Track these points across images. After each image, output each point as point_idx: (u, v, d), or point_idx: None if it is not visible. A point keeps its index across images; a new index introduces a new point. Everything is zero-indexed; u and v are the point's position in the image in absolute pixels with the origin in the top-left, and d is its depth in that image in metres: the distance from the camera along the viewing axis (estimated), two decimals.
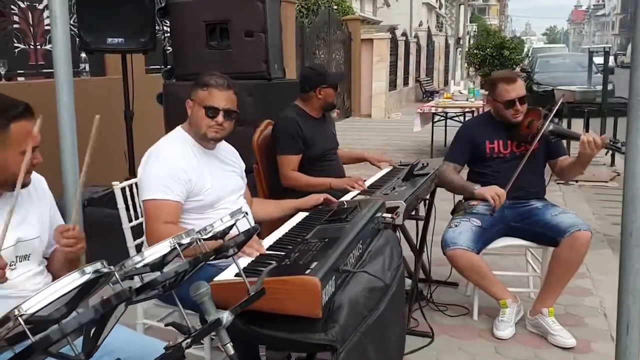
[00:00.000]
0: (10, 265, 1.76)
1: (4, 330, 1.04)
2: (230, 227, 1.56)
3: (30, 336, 1.02)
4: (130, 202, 2.60)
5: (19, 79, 4.94)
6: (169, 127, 4.11)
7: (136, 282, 1.61)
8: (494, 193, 3.09)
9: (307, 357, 2.37)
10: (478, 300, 3.38)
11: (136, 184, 2.50)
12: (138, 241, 2.55)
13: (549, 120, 3.17)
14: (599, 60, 10.97)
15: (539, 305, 3.13)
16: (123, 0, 3.89)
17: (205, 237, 1.48)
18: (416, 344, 3.00)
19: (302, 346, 1.86)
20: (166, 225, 2.24)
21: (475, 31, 32.56)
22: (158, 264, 1.36)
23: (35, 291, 1.73)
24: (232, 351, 1.48)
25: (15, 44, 4.88)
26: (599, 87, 8.49)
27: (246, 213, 1.60)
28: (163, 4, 4.17)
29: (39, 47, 5.03)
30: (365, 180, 3.31)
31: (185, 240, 1.38)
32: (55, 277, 1.94)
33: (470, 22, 34.51)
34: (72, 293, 1.14)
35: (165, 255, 1.34)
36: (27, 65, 5.01)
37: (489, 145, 3.28)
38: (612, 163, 7.45)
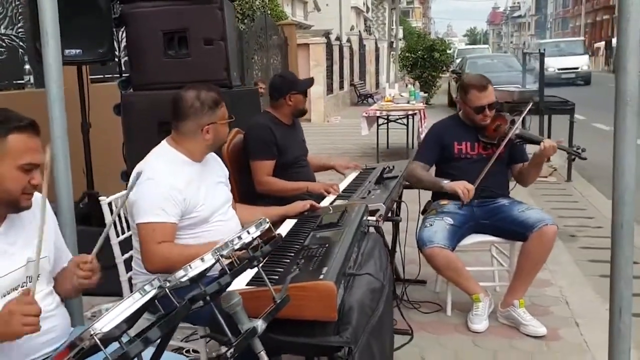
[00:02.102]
0: (22, 287, 1.72)
1: (79, 348, 1.04)
2: (255, 238, 1.58)
3: (109, 356, 1.03)
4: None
5: None
6: (129, 139, 4.07)
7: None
8: (464, 187, 3.23)
9: None
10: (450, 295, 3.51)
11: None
12: (126, 256, 2.52)
13: (516, 125, 3.35)
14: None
15: (510, 298, 3.29)
16: (80, 11, 3.77)
17: (235, 248, 1.50)
18: (398, 342, 3.09)
19: (319, 349, 1.90)
20: (161, 244, 2.22)
21: (402, 36, 33.30)
22: (197, 277, 1.38)
23: (47, 312, 1.72)
24: (266, 359, 1.51)
25: None
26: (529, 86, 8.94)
27: (268, 222, 1.63)
28: (117, 14, 4.09)
29: None
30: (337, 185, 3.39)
31: (225, 252, 1.40)
32: (63, 298, 1.90)
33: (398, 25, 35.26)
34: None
35: (207, 268, 1.36)
36: None
37: (457, 146, 3.41)
38: (548, 159, 7.85)
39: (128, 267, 2.52)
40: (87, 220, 4.06)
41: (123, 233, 2.54)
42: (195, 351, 2.75)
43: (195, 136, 2.40)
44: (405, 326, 3.23)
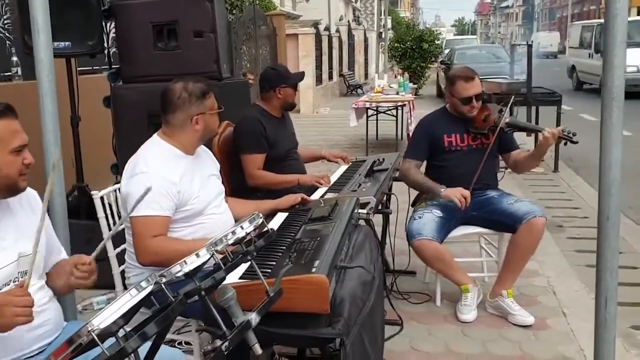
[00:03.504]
0: (14, 282, 1.73)
1: (77, 345, 1.06)
2: (249, 233, 1.60)
3: (106, 351, 1.04)
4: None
5: None
6: (119, 131, 4.06)
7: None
8: (460, 195, 3.22)
9: (297, 353, 2.46)
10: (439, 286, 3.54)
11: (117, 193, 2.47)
12: (118, 250, 2.53)
13: (504, 113, 3.37)
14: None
15: (498, 288, 3.34)
16: (69, 3, 3.76)
17: (229, 243, 1.52)
18: (388, 332, 3.12)
19: (311, 341, 1.93)
20: (155, 238, 2.24)
21: (390, 26, 33.26)
22: (192, 272, 1.39)
23: (40, 306, 1.73)
24: (260, 351, 1.53)
25: None
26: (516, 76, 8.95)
27: (262, 217, 1.64)
28: (107, 6, 4.07)
29: None
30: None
31: (220, 247, 1.41)
32: (56, 293, 1.91)
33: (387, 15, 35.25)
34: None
35: (202, 264, 1.38)
36: None
37: (446, 139, 3.44)
38: (556, 146, 7.89)
39: (120, 261, 2.53)
40: (76, 213, 4.06)
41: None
42: (187, 343, 2.77)
43: (185, 127, 2.41)
44: (395, 317, 3.26)
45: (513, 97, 3.63)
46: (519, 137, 3.59)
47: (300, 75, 3.67)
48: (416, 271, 3.94)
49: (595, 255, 1.98)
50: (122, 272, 2.53)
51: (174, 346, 2.82)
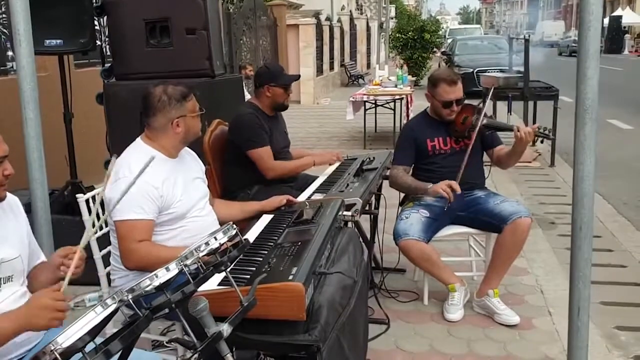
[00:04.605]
0: None
1: None
2: (223, 244, 1.62)
3: None
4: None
5: None
6: (112, 128, 4.10)
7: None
8: (445, 186, 3.25)
9: (280, 358, 2.49)
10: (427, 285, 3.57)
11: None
12: (104, 252, 2.56)
13: (482, 115, 3.38)
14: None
15: (485, 287, 3.37)
16: (60, 1, 3.77)
17: (201, 254, 1.55)
18: (374, 331, 3.16)
19: (288, 348, 1.95)
20: (140, 243, 2.27)
21: (394, 15, 33.06)
22: (162, 285, 1.42)
23: None
24: None
25: None
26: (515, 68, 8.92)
27: (237, 228, 1.67)
28: (99, 3, 4.09)
29: None
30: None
31: (190, 261, 1.44)
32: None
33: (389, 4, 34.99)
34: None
35: (172, 277, 1.40)
36: None
37: (430, 143, 3.46)
38: (533, 143, 7.90)
39: (106, 263, 2.57)
40: (70, 210, 4.09)
41: (101, 229, 2.58)
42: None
43: (166, 131, 2.44)
44: (382, 315, 3.30)
45: (489, 95, 3.60)
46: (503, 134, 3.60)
47: (293, 77, 3.68)
48: (405, 269, 3.96)
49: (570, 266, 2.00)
50: (108, 274, 2.56)
51: (162, 344, 2.87)
